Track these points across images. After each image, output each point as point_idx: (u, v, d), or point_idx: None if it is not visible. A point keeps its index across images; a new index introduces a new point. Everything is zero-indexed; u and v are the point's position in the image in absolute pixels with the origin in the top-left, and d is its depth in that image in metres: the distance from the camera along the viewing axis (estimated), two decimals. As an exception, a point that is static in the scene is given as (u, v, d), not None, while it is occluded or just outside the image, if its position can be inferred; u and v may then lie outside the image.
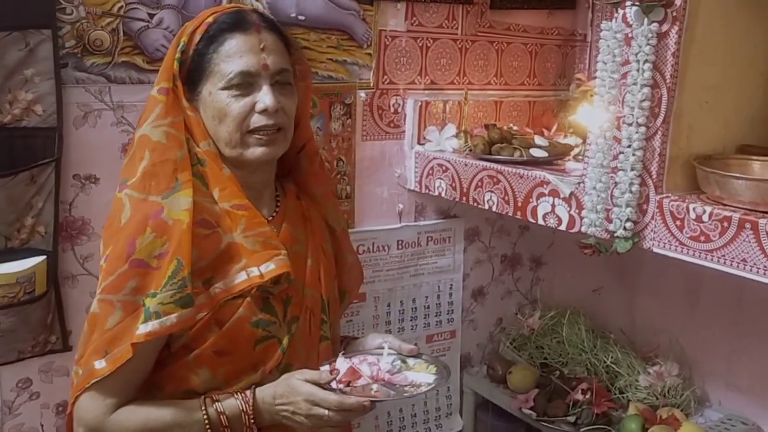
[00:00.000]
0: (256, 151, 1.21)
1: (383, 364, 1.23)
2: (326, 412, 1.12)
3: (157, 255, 1.12)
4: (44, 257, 1.35)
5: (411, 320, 1.92)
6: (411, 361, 1.27)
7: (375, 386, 1.18)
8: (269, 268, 1.18)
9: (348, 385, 1.16)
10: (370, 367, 1.20)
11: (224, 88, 1.18)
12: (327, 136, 1.69)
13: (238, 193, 1.21)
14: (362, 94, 1.72)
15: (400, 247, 1.86)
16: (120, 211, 1.16)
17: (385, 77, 1.75)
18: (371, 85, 1.74)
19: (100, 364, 1.11)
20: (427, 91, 1.83)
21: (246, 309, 1.17)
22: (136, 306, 1.11)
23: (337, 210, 1.46)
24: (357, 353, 1.29)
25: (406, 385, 1.20)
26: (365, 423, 1.86)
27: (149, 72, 1.41)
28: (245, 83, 1.18)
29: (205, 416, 1.14)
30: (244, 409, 1.16)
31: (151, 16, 1.41)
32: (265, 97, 1.18)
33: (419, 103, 1.78)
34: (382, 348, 1.28)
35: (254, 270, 1.18)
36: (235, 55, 1.18)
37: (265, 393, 1.17)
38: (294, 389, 1.15)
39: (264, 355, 1.21)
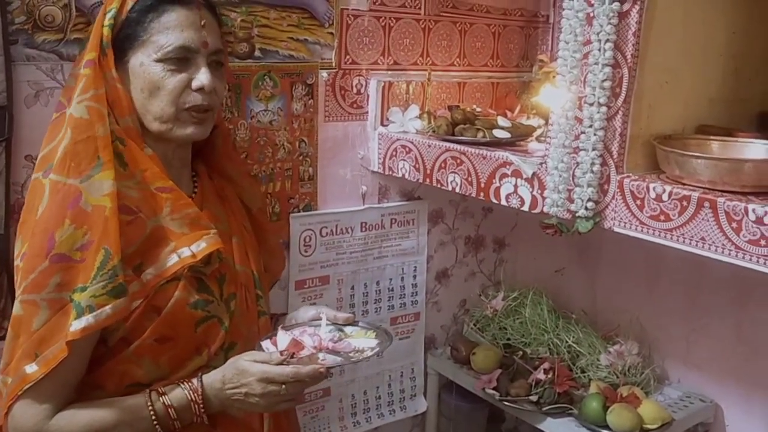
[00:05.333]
0: (187, 129, 1.19)
1: (323, 333, 1.23)
2: (282, 387, 1.11)
3: (79, 247, 1.07)
4: (-5, 240, 1.31)
5: (375, 303, 1.92)
6: (348, 329, 1.29)
7: (321, 355, 1.17)
8: (200, 247, 1.16)
9: (293, 357, 1.15)
10: (312, 337, 1.20)
11: (159, 60, 1.15)
12: (288, 117, 1.66)
13: (160, 175, 1.17)
14: (324, 74, 1.70)
15: (363, 229, 1.85)
16: (38, 199, 1.10)
17: (348, 57, 1.73)
18: (333, 65, 1.71)
19: (31, 368, 1.06)
20: (390, 72, 1.81)
21: (182, 291, 1.14)
22: (63, 303, 1.06)
23: (253, 189, 1.46)
24: (295, 326, 1.30)
25: (350, 352, 1.21)
26: (329, 406, 1.85)
27: (103, 49, 1.37)
28: (183, 58, 1.16)
29: (152, 411, 1.11)
30: (193, 399, 1.13)
31: (105, -9, 1.37)
32: (202, 75, 1.17)
33: (382, 84, 1.77)
34: (319, 319, 1.29)
35: (185, 251, 1.15)
36: (175, 28, 1.15)
37: (212, 379, 1.15)
38: (245, 371, 1.12)
39: (206, 336, 1.18)
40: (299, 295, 1.76)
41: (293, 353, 1.14)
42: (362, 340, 1.26)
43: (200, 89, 1.17)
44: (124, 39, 1.16)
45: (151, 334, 1.13)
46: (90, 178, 1.09)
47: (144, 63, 1.15)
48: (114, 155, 1.12)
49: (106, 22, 1.15)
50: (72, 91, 1.15)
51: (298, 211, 1.73)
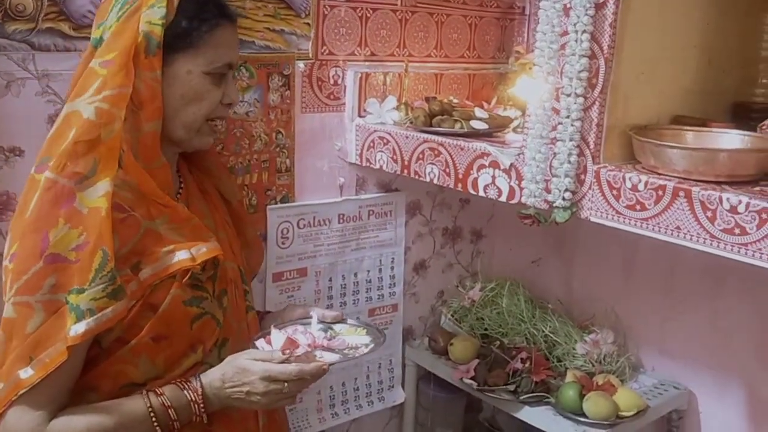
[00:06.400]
0: (205, 139, 1.23)
1: (315, 332, 1.24)
2: (284, 385, 1.11)
3: (74, 247, 1.03)
4: (-34, 234, 1.29)
5: (353, 294, 1.91)
6: (337, 327, 1.31)
7: (317, 353, 1.18)
8: (201, 251, 1.14)
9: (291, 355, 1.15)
10: (305, 336, 1.21)
11: (207, 73, 1.16)
12: (265, 108, 1.65)
13: (160, 194, 1.14)
14: (301, 65, 1.69)
15: (341, 221, 1.84)
16: (30, 196, 1.06)
17: (324, 48, 1.72)
18: (310, 55, 1.70)
19: (26, 373, 1.02)
20: (367, 63, 1.80)
21: (178, 289, 1.12)
22: (59, 305, 1.03)
23: (231, 181, 1.45)
24: (286, 324, 1.30)
25: (344, 349, 1.22)
26: (307, 398, 1.85)
27: (76, 39, 1.35)
28: (223, 74, 1.19)
29: (152, 412, 1.09)
30: (193, 399, 1.12)
31: (78, -20, 1.35)
32: (234, 93, 1.23)
33: (359, 75, 1.76)
34: (307, 317, 1.31)
35: (184, 253, 1.13)
36: (225, 44, 1.19)
37: (211, 378, 1.14)
38: (246, 369, 1.12)
39: (201, 333, 1.17)
40: (277, 287, 1.75)
41: (291, 351, 1.14)
42: (354, 337, 1.26)
43: (230, 104, 1.23)
44: (171, 41, 1.12)
45: (147, 333, 1.10)
46: (86, 179, 1.05)
47: (192, 72, 1.15)
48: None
49: (156, 21, 1.10)
50: (82, 89, 1.09)
51: (276, 203, 1.72)
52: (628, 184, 1.20)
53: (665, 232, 1.16)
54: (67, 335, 1.02)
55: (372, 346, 1.24)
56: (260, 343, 1.19)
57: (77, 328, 1.02)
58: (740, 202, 1.05)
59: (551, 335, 1.89)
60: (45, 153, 1.09)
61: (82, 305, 1.02)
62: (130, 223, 1.09)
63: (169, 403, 1.10)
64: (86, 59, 1.14)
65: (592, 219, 1.28)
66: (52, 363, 1.02)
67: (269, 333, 1.21)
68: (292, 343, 1.16)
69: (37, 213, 1.04)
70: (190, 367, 1.16)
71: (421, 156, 1.60)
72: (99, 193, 1.05)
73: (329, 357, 1.18)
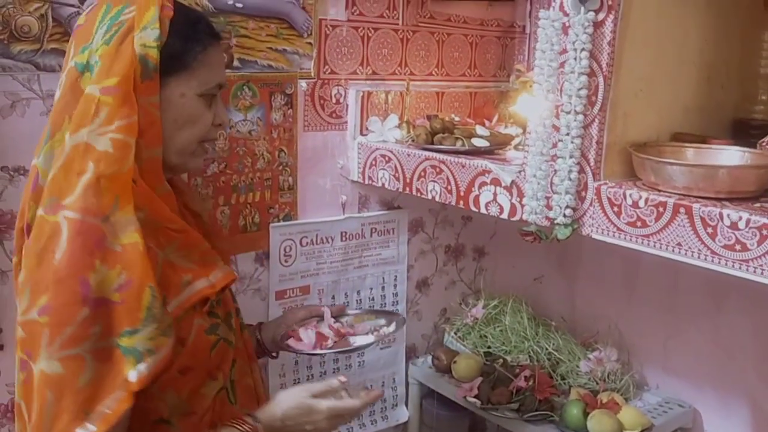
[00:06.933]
0: (198, 161, 1.20)
1: (334, 324, 1.33)
2: (347, 417, 1.16)
3: (117, 288, 0.96)
4: (-29, 253, 1.29)
5: (355, 312, 1.91)
6: (344, 319, 1.40)
7: (351, 339, 1.27)
8: (218, 277, 1.13)
9: (323, 347, 1.25)
10: (329, 329, 1.28)
11: (200, 95, 1.12)
12: (268, 127, 1.66)
13: (173, 217, 1.11)
14: (303, 83, 1.70)
15: (344, 238, 1.85)
16: (52, 240, 0.97)
17: (326, 67, 1.74)
18: (312, 74, 1.72)
19: (86, 431, 0.95)
20: (368, 82, 1.82)
21: (200, 317, 1.10)
22: (110, 350, 0.96)
23: (199, 195, 1.45)
24: (305, 323, 1.35)
25: (368, 333, 1.31)
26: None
27: (81, 60, 1.36)
28: (214, 96, 1.16)
29: None
30: None
31: (82, 1, 1.36)
32: (223, 113, 1.20)
33: (361, 94, 1.77)
34: (313, 316, 1.39)
35: (202, 281, 1.10)
36: (216, 64, 1.15)
37: (270, 417, 1.12)
38: (311, 409, 1.12)
39: (219, 359, 1.15)
40: (279, 305, 1.75)
41: (346, 381, 1.18)
42: (368, 323, 1.34)
43: (220, 125, 1.19)
44: (163, 64, 1.06)
45: (176, 367, 1.06)
46: (111, 216, 0.99)
47: (186, 95, 1.10)
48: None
49: (151, 43, 1.04)
50: (84, 118, 1.02)
51: (278, 221, 1.72)
52: (629, 201, 1.21)
53: (666, 249, 1.16)
54: (126, 380, 0.96)
55: (394, 323, 1.31)
56: (291, 342, 1.25)
57: (140, 370, 0.96)
58: (741, 218, 1.05)
59: (555, 353, 1.88)
60: (53, 192, 1.01)
61: (139, 347, 0.96)
62: (152, 255, 1.03)
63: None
64: (72, 85, 1.06)
65: (594, 236, 1.28)
66: (115, 414, 0.96)
67: (292, 331, 1.28)
68: (321, 337, 1.20)
69: (69, 258, 0.96)
70: (215, 394, 1.13)
71: (422, 174, 1.61)
72: (130, 228, 1.00)
73: (362, 340, 1.24)
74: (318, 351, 1.27)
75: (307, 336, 1.21)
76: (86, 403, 0.95)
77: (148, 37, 1.05)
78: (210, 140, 1.19)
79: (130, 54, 1.04)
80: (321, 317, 1.38)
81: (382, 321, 1.31)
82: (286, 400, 1.14)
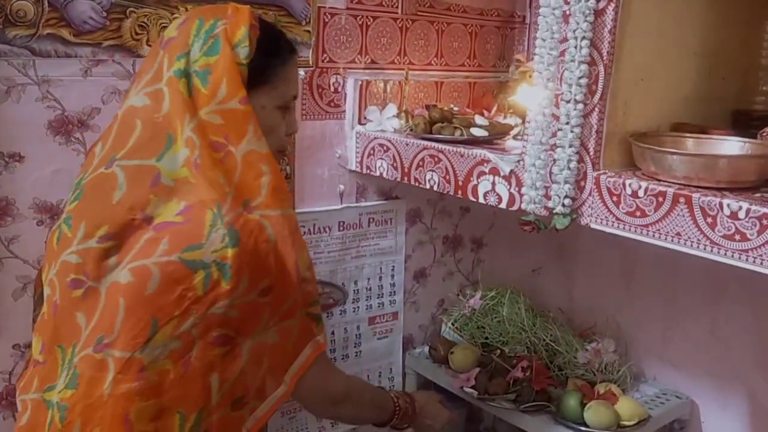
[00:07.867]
0: None
1: None
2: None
3: (309, 266, 1.15)
4: (-35, 239, 1.29)
5: (353, 302, 1.91)
6: None
7: None
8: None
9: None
10: None
11: (278, 107, 1.19)
12: (265, 115, 1.65)
13: None
14: (301, 72, 1.69)
15: (341, 228, 1.84)
16: (252, 234, 1.05)
17: (325, 55, 1.72)
18: (310, 63, 1.70)
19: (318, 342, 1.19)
20: (367, 71, 1.81)
21: None
22: (311, 319, 1.18)
23: None
24: None
25: None
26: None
27: (76, 45, 1.35)
28: (289, 107, 1.23)
29: (398, 407, 1.39)
30: (410, 412, 1.42)
31: (78, -14, 1.35)
32: (294, 122, 1.26)
33: (360, 83, 1.76)
34: None
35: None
36: (292, 78, 1.22)
37: (420, 401, 1.47)
38: (440, 414, 1.51)
39: None
40: (276, 294, 1.74)
41: None
42: None
43: (292, 134, 1.27)
44: (252, 78, 1.12)
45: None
46: (289, 207, 1.14)
47: (266, 107, 1.16)
48: None
49: (242, 60, 1.11)
50: (239, 129, 1.09)
51: (276, 210, 1.71)
52: (628, 191, 1.20)
53: (665, 239, 1.16)
54: (318, 342, 1.19)
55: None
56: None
57: (322, 335, 1.19)
58: (740, 208, 1.05)
59: (552, 344, 1.88)
60: (244, 195, 1.08)
61: (315, 312, 1.18)
62: None
63: (408, 401, 1.42)
64: (174, 91, 1.09)
65: (592, 225, 1.27)
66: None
67: None
68: None
69: (286, 242, 1.09)
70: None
71: (421, 163, 1.60)
72: (292, 212, 1.15)
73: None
74: None
75: None
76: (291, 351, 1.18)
77: (240, 54, 1.11)
78: (285, 149, 1.27)
79: (237, 70, 1.10)
80: None
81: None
82: (428, 399, 1.51)
